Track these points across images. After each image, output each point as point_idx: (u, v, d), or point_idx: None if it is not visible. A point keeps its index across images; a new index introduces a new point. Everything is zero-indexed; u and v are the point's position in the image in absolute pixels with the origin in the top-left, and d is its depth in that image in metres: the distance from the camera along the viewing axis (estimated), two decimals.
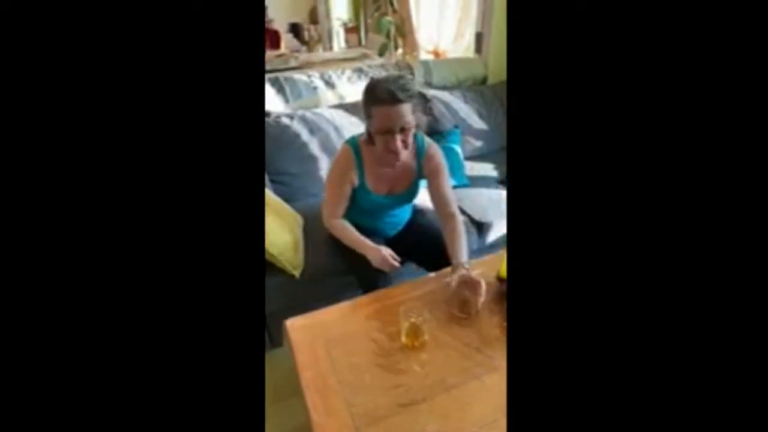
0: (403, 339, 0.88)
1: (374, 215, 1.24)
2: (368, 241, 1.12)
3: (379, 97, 0.97)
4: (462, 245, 1.08)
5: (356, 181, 1.13)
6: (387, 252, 1.08)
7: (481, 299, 0.94)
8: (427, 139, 1.18)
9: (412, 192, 1.22)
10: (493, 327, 0.94)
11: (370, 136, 1.06)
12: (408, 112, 0.98)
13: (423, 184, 1.60)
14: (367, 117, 1.03)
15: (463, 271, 1.00)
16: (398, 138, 0.99)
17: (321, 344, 0.91)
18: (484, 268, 1.12)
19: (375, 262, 1.08)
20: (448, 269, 1.12)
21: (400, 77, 1.01)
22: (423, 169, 1.16)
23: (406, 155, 1.07)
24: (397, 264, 1.08)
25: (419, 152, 1.15)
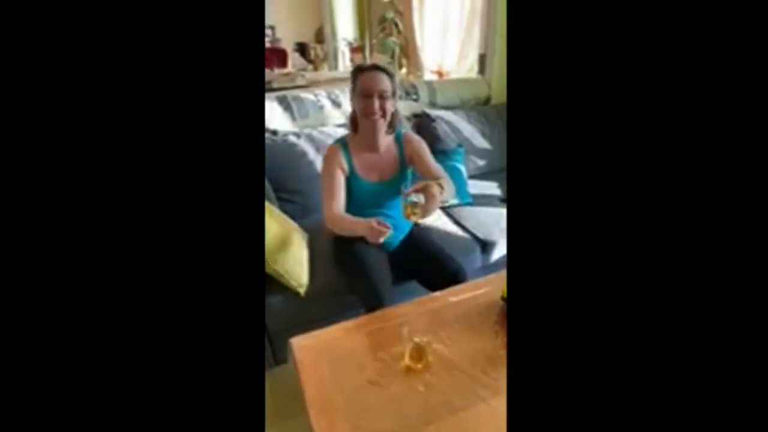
0: (407, 360, 0.88)
1: (372, 214, 1.24)
2: (362, 219, 1.09)
3: (364, 66, 1.16)
4: (445, 183, 1.14)
5: (345, 166, 1.21)
6: (374, 221, 1.04)
7: (430, 202, 1.00)
8: (404, 129, 1.31)
9: (401, 178, 1.28)
10: (499, 348, 0.94)
11: (354, 120, 1.20)
12: (387, 82, 1.13)
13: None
14: (353, 90, 1.17)
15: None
16: (376, 102, 1.12)
17: (325, 363, 0.91)
18: (488, 287, 1.12)
19: (370, 237, 1.04)
20: (454, 288, 1.13)
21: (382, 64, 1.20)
22: (404, 152, 1.26)
23: (385, 131, 1.20)
24: (387, 231, 1.02)
25: (398, 139, 1.28)
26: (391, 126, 1.22)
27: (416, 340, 0.88)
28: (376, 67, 1.14)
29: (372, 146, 1.23)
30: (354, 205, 1.24)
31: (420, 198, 1.02)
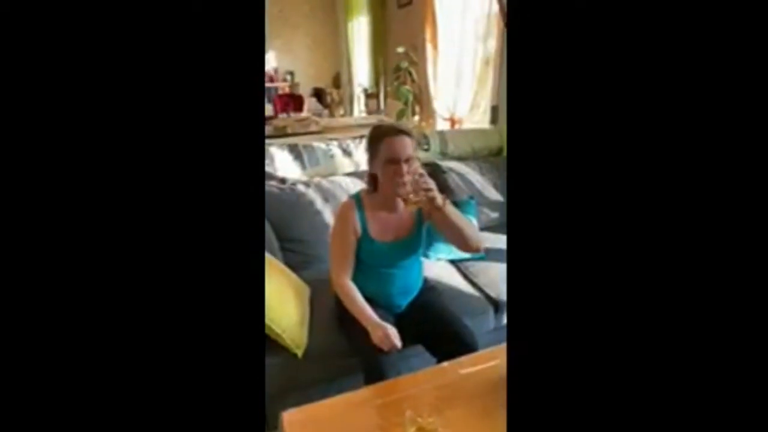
0: None
1: (383, 277, 1.19)
2: (374, 315, 1.08)
3: (386, 131, 1.08)
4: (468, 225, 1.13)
5: (359, 229, 1.14)
6: (391, 330, 1.04)
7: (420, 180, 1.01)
8: None
9: (417, 237, 1.21)
10: None
11: (373, 180, 1.14)
12: (410, 145, 1.07)
13: (434, 257, 1.53)
14: (373, 155, 1.10)
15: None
16: (404, 167, 1.04)
17: None
18: (501, 359, 1.03)
19: (376, 338, 1.04)
20: (464, 358, 1.04)
21: (400, 124, 1.15)
22: (422, 208, 1.19)
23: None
24: (398, 345, 1.03)
25: None
26: None
27: (420, 422, 0.79)
28: (397, 131, 1.07)
29: (391, 206, 1.17)
30: (364, 264, 1.18)
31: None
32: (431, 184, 1.02)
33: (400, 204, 1.16)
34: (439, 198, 1.03)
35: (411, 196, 1.01)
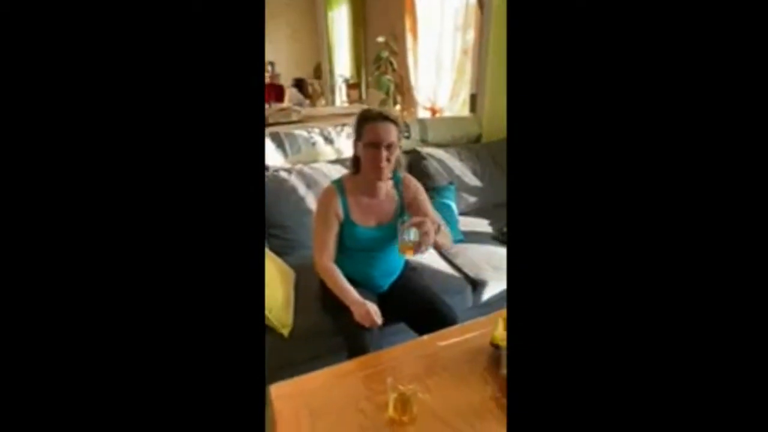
0: (390, 412, 0.84)
1: (365, 260, 1.23)
2: (356, 293, 1.13)
3: (372, 115, 1.12)
4: (443, 230, 1.16)
5: (341, 213, 1.18)
6: (372, 308, 1.09)
7: (425, 239, 1.01)
8: (403, 173, 1.28)
9: (399, 224, 1.23)
10: (487, 399, 0.89)
11: (356, 162, 1.17)
12: (394, 132, 1.11)
13: None
14: (358, 137, 1.13)
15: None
16: (384, 152, 1.09)
17: (305, 416, 0.86)
18: (478, 331, 1.09)
19: (357, 315, 1.09)
20: (443, 331, 1.10)
21: (388, 111, 1.19)
22: (403, 196, 1.24)
23: (388, 177, 1.17)
24: (378, 322, 1.08)
25: (396, 182, 1.26)
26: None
27: (401, 389, 0.84)
28: (383, 117, 1.11)
29: (372, 192, 1.20)
30: (347, 248, 1.22)
31: (417, 235, 1.02)
32: (429, 227, 1.03)
33: (382, 190, 1.21)
34: (433, 237, 1.04)
35: (411, 244, 1.01)
